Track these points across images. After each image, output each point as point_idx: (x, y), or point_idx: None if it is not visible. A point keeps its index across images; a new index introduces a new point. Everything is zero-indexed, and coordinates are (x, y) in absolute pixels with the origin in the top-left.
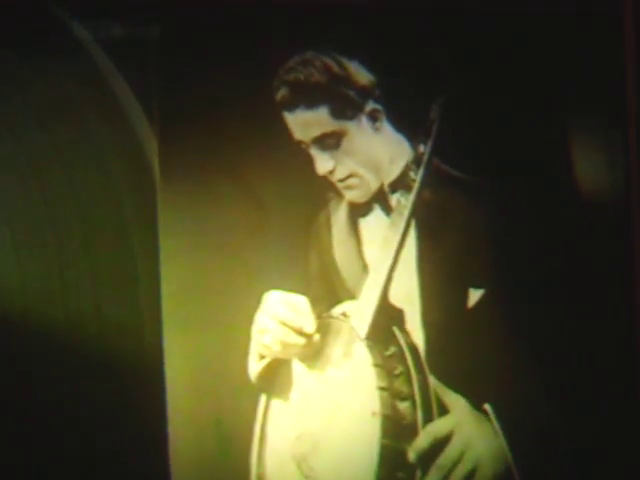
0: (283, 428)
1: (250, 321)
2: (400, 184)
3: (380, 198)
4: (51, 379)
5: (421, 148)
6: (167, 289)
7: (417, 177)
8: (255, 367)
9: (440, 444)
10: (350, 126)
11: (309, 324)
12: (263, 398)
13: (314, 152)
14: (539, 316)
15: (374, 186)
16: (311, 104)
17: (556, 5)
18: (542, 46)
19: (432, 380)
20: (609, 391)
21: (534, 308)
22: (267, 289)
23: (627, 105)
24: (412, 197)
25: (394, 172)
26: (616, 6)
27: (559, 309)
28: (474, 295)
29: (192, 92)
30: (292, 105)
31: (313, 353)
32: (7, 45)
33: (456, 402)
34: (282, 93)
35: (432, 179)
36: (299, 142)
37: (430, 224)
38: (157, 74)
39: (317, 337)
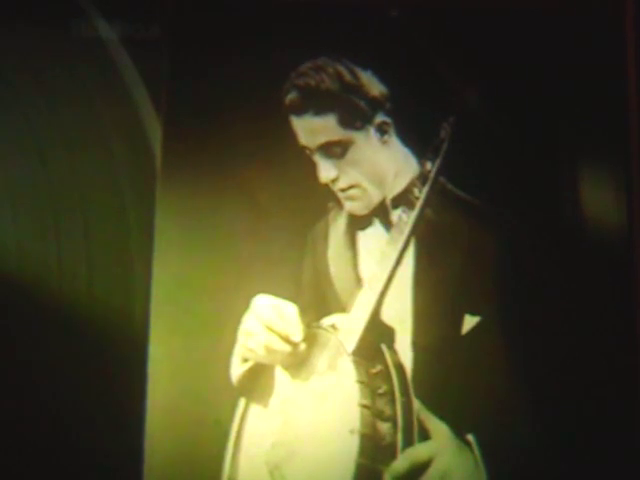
0: (259, 434)
1: (237, 322)
2: (403, 200)
3: (381, 212)
4: (35, 344)
5: (428, 166)
6: (158, 276)
7: (421, 195)
8: (237, 369)
9: (418, 470)
10: (357, 136)
11: (296, 332)
12: (242, 401)
13: (318, 159)
14: (536, 349)
15: (376, 199)
16: (320, 110)
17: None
18: (553, 75)
19: (416, 403)
20: (608, 434)
21: (531, 340)
22: (257, 292)
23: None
24: (414, 214)
25: (398, 187)
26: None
27: (557, 343)
28: (469, 322)
29: (201, 88)
30: (300, 110)
31: (297, 362)
32: (24, 28)
33: (439, 428)
34: (291, 97)
35: (436, 198)
36: (304, 147)
37: (430, 244)
38: (168, 65)
39: (303, 346)
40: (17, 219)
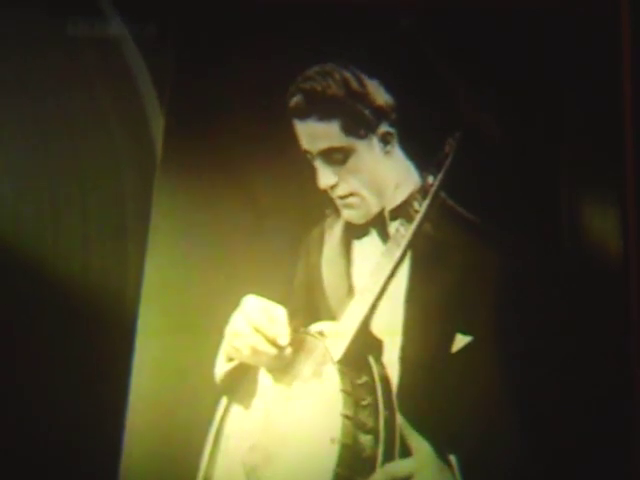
0: (239, 434)
1: (225, 320)
2: (402, 212)
3: (378, 223)
4: (25, 323)
5: (430, 179)
6: (150, 268)
7: (421, 208)
8: (222, 368)
9: None
10: (360, 145)
11: (283, 336)
12: (224, 401)
13: (318, 164)
14: (526, 373)
15: (374, 209)
16: (324, 116)
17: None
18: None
19: (399, 418)
20: (596, 458)
21: (522, 364)
22: (248, 292)
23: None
24: (412, 228)
25: (397, 199)
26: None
27: (548, 368)
28: (460, 341)
29: (205, 85)
30: (304, 114)
31: (282, 366)
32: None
33: (420, 446)
34: (296, 100)
35: (436, 213)
36: (305, 152)
37: (426, 259)
38: (173, 60)
39: (289, 351)
40: (17, 201)
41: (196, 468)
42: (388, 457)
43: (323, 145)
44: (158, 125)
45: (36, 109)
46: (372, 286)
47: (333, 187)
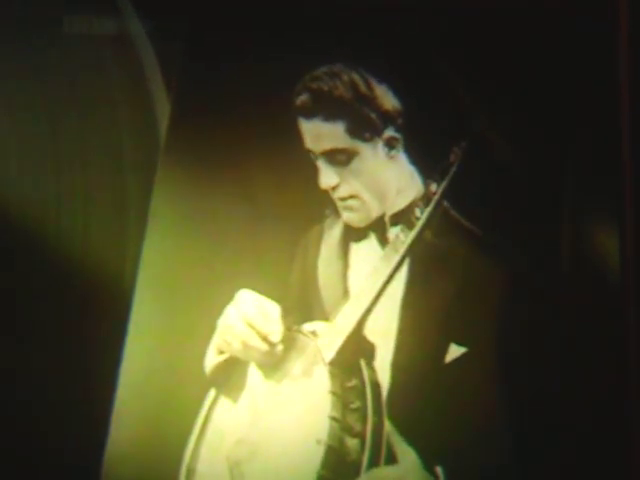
0: (225, 428)
1: (218, 312)
2: (403, 218)
3: (378, 228)
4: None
5: (433, 187)
6: (148, 254)
7: (422, 215)
8: (212, 360)
9: None
10: (364, 147)
11: (276, 333)
12: (212, 393)
13: (321, 164)
14: (520, 388)
15: (375, 214)
16: (329, 116)
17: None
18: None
19: (387, 425)
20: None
21: (516, 379)
22: (243, 287)
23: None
24: (412, 235)
25: (399, 205)
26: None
27: (544, 384)
28: (454, 351)
29: (213, 79)
30: (310, 113)
31: (273, 362)
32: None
33: (407, 455)
34: (303, 99)
35: (437, 222)
36: (308, 151)
37: (424, 267)
38: (182, 52)
39: (280, 348)
40: (21, 173)
41: (180, 459)
42: (373, 463)
43: (327, 145)
44: (164, 111)
45: (47, 91)
46: (368, 290)
47: (334, 188)
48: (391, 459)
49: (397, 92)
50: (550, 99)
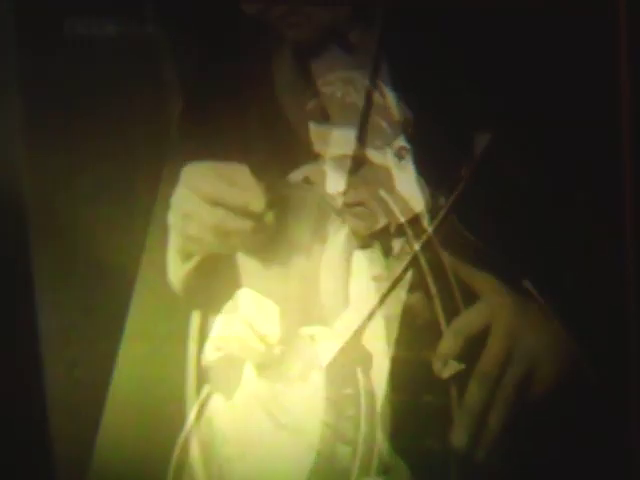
0: (216, 424)
1: (216, 310)
2: (408, 229)
3: (383, 237)
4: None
5: (441, 200)
6: (149, 251)
7: (429, 228)
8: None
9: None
10: (374, 156)
11: (274, 334)
12: (206, 388)
13: (328, 169)
14: (515, 406)
15: (380, 223)
16: (340, 123)
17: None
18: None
19: (379, 436)
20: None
21: (515, 395)
22: (243, 286)
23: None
24: (417, 247)
25: (405, 215)
26: None
27: (539, 407)
28: (452, 366)
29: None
30: (321, 118)
31: (270, 364)
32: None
33: (398, 467)
34: (314, 103)
35: (444, 235)
36: (317, 155)
37: (427, 280)
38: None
39: (277, 350)
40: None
41: (171, 452)
42: (364, 472)
43: (336, 151)
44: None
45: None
46: (369, 299)
47: (341, 194)
48: (382, 469)
49: (409, 102)
50: (550, 101)
